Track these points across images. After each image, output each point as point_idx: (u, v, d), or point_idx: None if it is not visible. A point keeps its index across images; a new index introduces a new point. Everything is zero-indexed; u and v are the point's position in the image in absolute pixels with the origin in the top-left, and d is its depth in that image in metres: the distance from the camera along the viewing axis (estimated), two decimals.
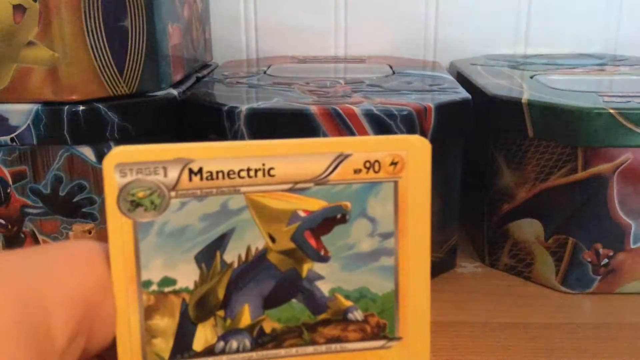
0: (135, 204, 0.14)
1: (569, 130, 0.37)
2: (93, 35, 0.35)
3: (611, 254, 0.39)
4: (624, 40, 0.63)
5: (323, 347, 0.16)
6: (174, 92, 0.41)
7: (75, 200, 0.37)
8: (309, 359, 0.16)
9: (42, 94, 0.35)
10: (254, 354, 0.15)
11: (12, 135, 0.35)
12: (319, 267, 0.16)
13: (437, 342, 0.33)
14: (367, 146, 0.15)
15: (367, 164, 0.15)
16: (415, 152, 0.15)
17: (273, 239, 0.15)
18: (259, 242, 0.15)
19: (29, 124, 0.35)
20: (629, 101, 0.37)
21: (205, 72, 0.53)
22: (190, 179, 0.14)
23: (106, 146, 0.36)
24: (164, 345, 0.15)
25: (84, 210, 0.37)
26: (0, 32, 0.34)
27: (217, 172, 0.14)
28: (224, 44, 0.63)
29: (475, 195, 0.45)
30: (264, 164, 0.15)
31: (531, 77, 0.47)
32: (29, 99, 0.35)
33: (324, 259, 0.16)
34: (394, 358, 0.16)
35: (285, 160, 0.15)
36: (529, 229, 0.41)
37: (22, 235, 0.37)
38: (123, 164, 0.14)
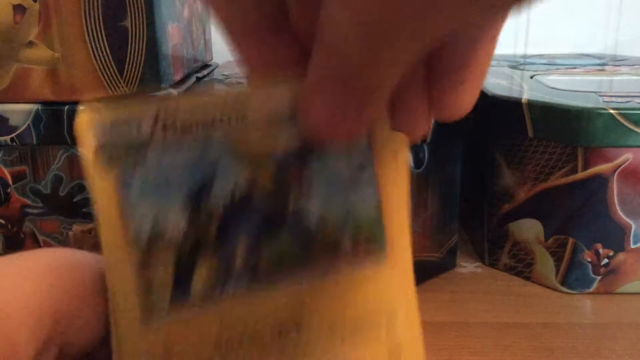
0: (113, 163, 0.14)
1: (569, 130, 0.37)
2: (93, 35, 0.35)
3: (611, 254, 0.39)
4: (624, 40, 0.63)
5: (317, 281, 0.16)
6: (174, 92, 0.41)
7: (75, 200, 0.37)
8: (304, 294, 0.16)
9: (42, 94, 0.35)
10: (251, 295, 0.15)
11: (12, 135, 0.35)
12: (303, 202, 0.16)
13: (437, 342, 0.33)
14: None
15: None
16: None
17: (255, 180, 0.15)
18: (242, 184, 0.15)
19: (29, 124, 0.35)
20: (629, 101, 0.37)
21: (205, 72, 0.53)
22: (165, 133, 0.14)
23: None
24: (162, 297, 0.15)
25: (84, 210, 0.37)
26: (0, 32, 0.34)
27: (192, 123, 0.14)
28: (224, 44, 0.63)
29: (475, 195, 0.45)
30: (237, 110, 0.15)
31: (531, 77, 0.47)
32: (29, 99, 0.35)
33: (307, 193, 0.16)
34: (384, 280, 0.17)
35: (259, 104, 0.15)
36: (529, 229, 0.41)
37: (22, 235, 0.37)
38: (97, 124, 0.14)
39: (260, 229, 0.15)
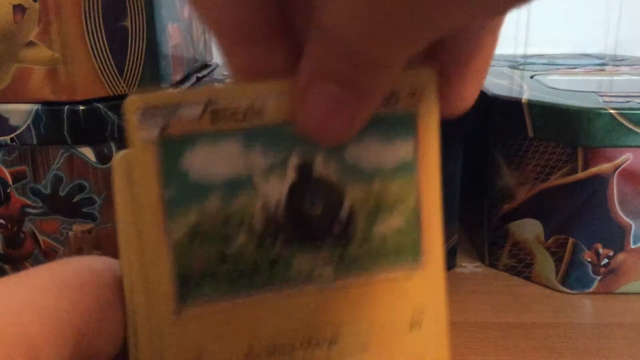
0: (158, 148, 0.14)
1: (569, 130, 0.37)
2: (93, 35, 0.35)
3: (611, 254, 0.39)
4: (624, 40, 0.63)
5: (349, 285, 0.16)
6: (174, 90, 0.41)
7: (75, 200, 0.37)
8: (335, 299, 0.16)
9: (42, 94, 0.35)
10: (282, 298, 0.15)
11: (12, 135, 0.35)
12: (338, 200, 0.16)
13: None
14: None
15: (384, 97, 0.15)
16: (429, 83, 0.16)
17: (304, 167, 0.15)
18: (288, 176, 0.15)
19: (29, 124, 0.35)
20: (629, 101, 0.37)
21: (205, 72, 0.53)
22: (212, 120, 0.14)
23: (106, 146, 0.36)
24: (198, 288, 0.15)
25: (84, 210, 0.37)
26: (0, 32, 0.34)
27: (239, 111, 0.14)
28: None
29: (475, 195, 0.45)
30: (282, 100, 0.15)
31: (531, 77, 0.47)
32: (29, 99, 0.35)
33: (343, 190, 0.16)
34: (416, 285, 0.17)
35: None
36: (529, 229, 0.41)
37: (22, 235, 0.37)
38: (145, 108, 0.14)
39: (300, 228, 0.15)
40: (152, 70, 0.38)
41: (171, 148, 0.14)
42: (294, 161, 0.15)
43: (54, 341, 0.13)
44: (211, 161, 0.14)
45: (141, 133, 0.14)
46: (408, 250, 0.16)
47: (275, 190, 0.15)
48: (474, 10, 0.11)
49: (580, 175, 0.37)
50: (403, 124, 0.16)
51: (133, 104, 0.14)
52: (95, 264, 0.15)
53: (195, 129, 0.14)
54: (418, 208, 0.16)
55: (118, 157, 0.14)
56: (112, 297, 0.14)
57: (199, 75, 0.51)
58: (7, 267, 0.38)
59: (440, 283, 0.17)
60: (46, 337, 0.13)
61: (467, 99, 0.16)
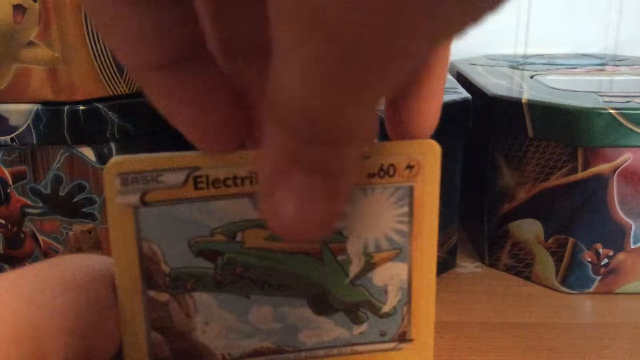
0: (136, 212, 0.14)
1: (569, 130, 0.37)
2: (93, 35, 0.35)
3: (611, 254, 0.39)
4: (624, 40, 0.63)
5: (334, 350, 0.16)
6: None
7: (75, 200, 0.37)
8: None
9: (42, 94, 0.35)
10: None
11: (12, 135, 0.35)
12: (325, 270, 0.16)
13: (437, 342, 0.33)
14: (382, 150, 0.15)
15: (382, 168, 0.15)
16: (430, 156, 0.15)
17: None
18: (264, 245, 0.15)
19: (29, 124, 0.35)
20: (629, 101, 0.37)
21: None
22: (196, 187, 0.14)
23: (106, 146, 0.36)
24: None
25: (84, 210, 0.37)
26: (0, 32, 0.34)
27: (223, 179, 0.14)
28: None
29: (475, 195, 0.45)
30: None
31: (531, 77, 0.47)
32: (29, 99, 0.35)
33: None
34: (402, 359, 0.16)
35: None
36: (529, 229, 0.41)
37: (22, 235, 0.37)
38: (124, 173, 0.14)
39: (281, 293, 0.15)
40: None
41: (150, 212, 0.14)
42: None
43: (59, 337, 0.13)
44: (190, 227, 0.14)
45: (121, 198, 0.14)
46: (396, 325, 0.16)
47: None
48: (434, 43, 0.10)
49: (580, 175, 0.37)
50: (399, 197, 0.15)
51: (114, 167, 0.14)
52: (93, 262, 0.15)
53: (176, 195, 0.14)
54: (410, 284, 0.16)
55: (109, 164, 0.14)
56: (110, 296, 0.15)
57: None
58: (7, 267, 0.38)
59: (429, 357, 0.17)
60: (52, 333, 0.13)
61: (430, 121, 0.15)
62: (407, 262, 0.16)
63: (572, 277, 0.39)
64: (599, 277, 0.39)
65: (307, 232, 0.11)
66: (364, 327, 0.16)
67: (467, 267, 0.44)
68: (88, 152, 0.36)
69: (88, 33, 0.35)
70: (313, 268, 0.15)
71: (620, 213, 0.38)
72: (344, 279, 0.15)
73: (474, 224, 0.46)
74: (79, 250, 0.37)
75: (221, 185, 0.14)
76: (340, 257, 0.15)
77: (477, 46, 0.63)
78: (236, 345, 0.15)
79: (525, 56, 0.61)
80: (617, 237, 0.38)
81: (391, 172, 0.15)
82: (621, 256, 0.39)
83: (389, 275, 0.16)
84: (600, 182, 0.37)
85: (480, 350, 0.33)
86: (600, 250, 0.39)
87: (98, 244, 0.37)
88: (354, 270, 0.15)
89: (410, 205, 0.15)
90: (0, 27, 0.34)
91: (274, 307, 0.15)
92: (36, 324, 0.13)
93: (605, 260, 0.39)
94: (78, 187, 0.37)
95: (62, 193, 0.37)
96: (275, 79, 0.10)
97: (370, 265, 0.16)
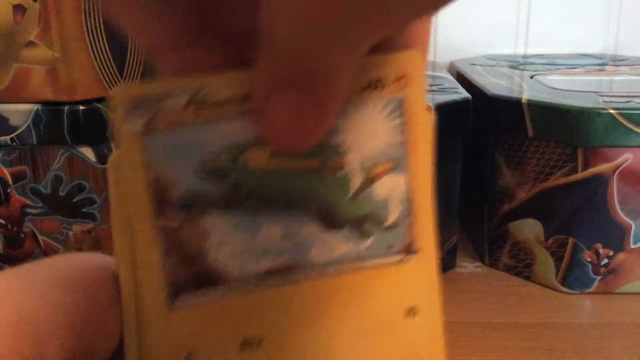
0: (144, 136, 0.14)
1: (569, 130, 0.37)
2: (93, 35, 0.35)
3: (611, 254, 0.39)
4: (624, 40, 0.63)
5: (344, 267, 0.16)
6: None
7: (75, 200, 0.37)
8: (326, 288, 0.16)
9: (42, 94, 0.35)
10: (272, 289, 0.16)
11: (12, 135, 0.35)
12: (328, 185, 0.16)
13: None
14: (369, 64, 0.15)
15: (371, 82, 0.15)
16: (417, 66, 0.16)
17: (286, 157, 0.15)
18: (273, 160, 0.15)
19: (29, 124, 0.35)
20: (629, 101, 0.37)
21: None
22: (198, 109, 0.14)
23: (106, 146, 0.36)
24: (189, 277, 0.15)
25: (84, 210, 0.37)
26: (0, 32, 0.34)
27: (224, 100, 0.14)
28: None
29: (475, 195, 0.45)
30: None
31: (531, 77, 0.47)
32: (29, 99, 0.35)
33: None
34: (410, 272, 0.17)
35: None
36: (529, 229, 0.41)
37: (22, 235, 0.37)
38: (127, 101, 0.14)
39: (288, 211, 0.15)
40: (152, 70, 0.38)
41: (156, 138, 0.14)
42: None
43: (59, 334, 0.13)
44: (196, 143, 0.15)
45: (127, 125, 0.14)
46: (401, 237, 0.16)
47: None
48: (415, 11, 0.11)
49: (580, 175, 0.37)
50: (391, 110, 0.16)
51: (119, 96, 0.14)
52: (93, 259, 0.15)
53: (179, 119, 0.14)
54: (410, 195, 0.16)
55: (112, 155, 0.14)
56: (110, 293, 0.15)
57: None
58: (7, 267, 0.38)
59: (434, 273, 0.17)
60: (52, 329, 0.13)
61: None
62: (405, 174, 0.16)
63: (572, 277, 0.39)
64: (599, 277, 0.39)
65: (295, 139, 0.13)
66: (370, 241, 0.16)
67: (467, 267, 0.44)
68: (88, 152, 0.36)
69: (88, 33, 0.35)
70: (317, 185, 0.15)
71: (620, 213, 0.38)
72: (346, 195, 0.16)
73: (474, 224, 0.46)
74: (79, 250, 0.37)
75: (223, 106, 0.14)
76: (340, 173, 0.16)
77: (477, 46, 0.63)
78: (249, 267, 0.15)
79: (525, 56, 0.61)
80: (617, 237, 0.38)
81: (380, 85, 0.15)
82: (621, 256, 0.39)
83: (389, 188, 0.16)
84: (600, 182, 0.37)
85: (480, 350, 0.33)
86: (600, 250, 0.39)
87: (98, 244, 0.37)
88: (354, 185, 0.16)
89: (403, 116, 0.16)
90: (0, 27, 0.34)
91: (283, 226, 0.15)
92: (36, 320, 0.13)
93: (605, 260, 0.39)
94: (78, 187, 0.37)
95: (62, 193, 0.37)
96: (268, 16, 0.11)
97: (369, 180, 0.16)
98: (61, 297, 0.14)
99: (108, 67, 0.36)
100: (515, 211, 0.41)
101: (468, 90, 0.41)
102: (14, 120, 0.35)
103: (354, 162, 0.16)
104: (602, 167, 0.37)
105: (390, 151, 0.16)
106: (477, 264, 0.44)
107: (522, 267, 0.42)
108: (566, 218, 0.39)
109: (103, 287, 0.15)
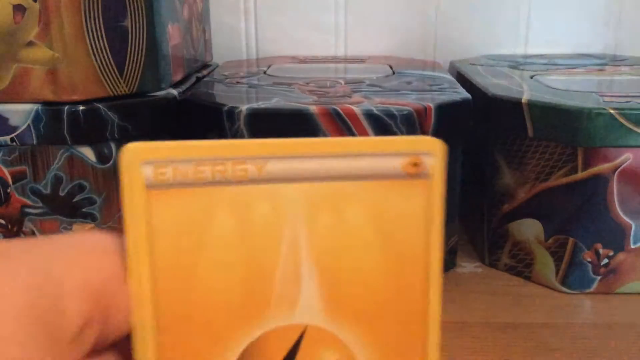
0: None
1: (569, 130, 0.37)
2: (93, 35, 0.35)
3: (611, 254, 0.39)
4: (624, 40, 0.63)
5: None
6: (174, 92, 0.41)
7: (75, 200, 0.37)
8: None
9: (42, 94, 0.35)
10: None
11: (12, 135, 0.35)
12: None
13: None
14: (386, 147, 0.16)
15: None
16: (438, 154, 0.16)
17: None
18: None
19: (29, 124, 0.35)
20: (629, 101, 0.37)
21: (205, 72, 0.53)
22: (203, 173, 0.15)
23: (106, 146, 0.36)
24: None
25: (84, 210, 0.37)
26: (0, 32, 0.34)
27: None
28: (224, 43, 0.63)
29: (475, 195, 0.45)
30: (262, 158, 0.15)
31: (531, 77, 0.47)
32: (29, 99, 0.35)
33: None
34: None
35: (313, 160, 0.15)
36: (529, 229, 0.41)
37: (22, 235, 0.37)
38: (150, 161, 0.15)
39: None
40: (152, 70, 0.38)
41: (159, 194, 0.15)
42: None
43: (80, 295, 0.14)
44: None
45: (140, 180, 0.15)
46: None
47: None
48: None
49: (580, 175, 0.37)
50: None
51: (135, 154, 0.15)
52: (105, 236, 0.16)
53: (185, 178, 0.15)
54: None
55: (124, 150, 0.15)
56: (121, 269, 0.15)
57: (199, 75, 0.51)
58: None
59: None
60: (74, 290, 0.14)
61: None
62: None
63: (572, 277, 0.39)
64: (599, 277, 0.39)
65: None
66: None
67: (467, 267, 0.44)
68: (88, 152, 0.36)
69: (88, 33, 0.35)
70: None
71: (620, 213, 0.38)
72: None
73: (474, 224, 0.46)
74: None
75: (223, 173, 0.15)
76: None
77: (477, 46, 0.63)
78: None
79: (525, 56, 0.61)
80: (617, 237, 0.38)
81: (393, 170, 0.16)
82: (621, 256, 0.39)
83: None
84: (600, 182, 0.37)
85: (480, 350, 0.33)
86: (600, 250, 0.39)
87: None
88: None
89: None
90: (0, 27, 0.34)
91: None
92: (57, 279, 0.14)
93: (605, 260, 0.39)
94: (78, 187, 0.37)
95: (62, 193, 0.37)
96: None
97: None
98: (84, 266, 0.15)
99: (108, 67, 0.36)
100: (515, 211, 0.41)
101: (468, 90, 0.41)
102: (14, 120, 0.35)
103: None
104: (602, 167, 0.37)
105: None
106: (477, 264, 0.44)
107: (522, 267, 0.42)
108: (566, 218, 0.39)
109: (117, 261, 0.15)
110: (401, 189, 0.16)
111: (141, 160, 0.15)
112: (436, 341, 0.17)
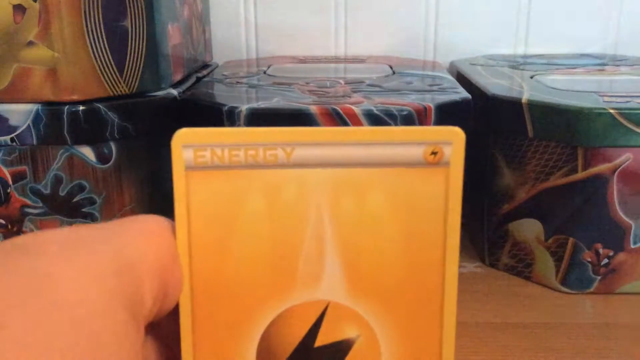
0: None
1: (569, 130, 0.37)
2: (93, 35, 0.35)
3: (611, 254, 0.39)
4: (624, 40, 0.63)
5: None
6: (174, 92, 0.41)
7: (75, 200, 0.37)
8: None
9: (42, 94, 0.35)
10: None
11: (12, 135, 0.35)
12: None
13: None
14: (408, 137, 0.16)
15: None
16: (457, 143, 0.17)
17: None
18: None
19: (29, 124, 0.35)
20: (629, 101, 0.37)
21: (205, 72, 0.53)
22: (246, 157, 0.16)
23: (106, 146, 0.36)
24: None
25: (84, 210, 0.37)
26: (0, 32, 0.34)
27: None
28: (224, 44, 0.63)
29: (475, 195, 0.45)
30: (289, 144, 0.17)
31: (531, 77, 0.47)
32: (29, 99, 0.35)
33: None
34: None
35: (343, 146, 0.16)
36: (529, 229, 0.41)
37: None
38: (190, 144, 0.16)
39: None
40: (152, 70, 0.38)
41: (198, 175, 0.16)
42: None
43: (151, 274, 0.16)
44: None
45: (181, 162, 0.16)
46: None
47: None
48: None
49: (580, 175, 0.37)
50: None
51: (179, 138, 0.16)
52: (165, 219, 0.17)
53: (221, 162, 0.16)
54: None
55: (174, 135, 0.16)
56: (174, 246, 0.17)
57: (199, 75, 0.51)
58: None
59: None
60: (147, 271, 0.15)
61: None
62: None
63: (572, 277, 0.39)
64: (599, 277, 0.39)
65: None
66: None
67: (467, 267, 0.44)
68: (88, 152, 0.36)
69: (88, 33, 0.35)
70: None
71: (620, 213, 0.38)
72: None
73: (474, 224, 0.46)
74: None
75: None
76: None
77: (477, 46, 0.63)
78: None
79: (525, 56, 0.61)
80: (617, 237, 0.38)
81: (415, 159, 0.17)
82: (621, 256, 0.39)
83: None
84: (600, 182, 0.37)
85: (480, 350, 0.33)
86: (600, 250, 0.39)
87: None
88: None
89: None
90: (0, 27, 0.34)
91: None
92: (132, 263, 0.15)
93: (605, 260, 0.39)
94: (78, 187, 0.37)
95: (62, 193, 0.37)
96: None
97: None
98: (152, 248, 0.16)
99: (108, 67, 0.36)
100: (515, 211, 0.41)
101: (468, 90, 0.41)
102: (14, 120, 0.35)
103: None
104: (602, 167, 0.37)
105: None
106: (477, 264, 0.44)
107: (522, 267, 0.42)
108: (566, 218, 0.39)
109: (170, 242, 0.17)
110: (421, 176, 0.17)
111: (182, 144, 0.16)
112: (452, 320, 0.18)
